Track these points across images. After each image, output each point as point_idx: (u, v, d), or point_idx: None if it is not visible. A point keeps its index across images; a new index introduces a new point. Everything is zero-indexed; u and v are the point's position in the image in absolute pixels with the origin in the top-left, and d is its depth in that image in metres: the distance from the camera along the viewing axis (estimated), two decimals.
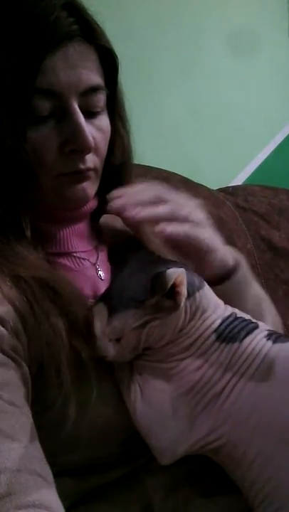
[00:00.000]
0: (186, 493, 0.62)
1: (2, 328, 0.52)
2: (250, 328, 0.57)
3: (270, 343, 0.55)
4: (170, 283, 0.51)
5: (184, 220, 0.57)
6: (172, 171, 1.32)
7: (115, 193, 0.56)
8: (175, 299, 0.53)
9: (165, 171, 1.31)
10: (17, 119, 0.56)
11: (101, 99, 0.63)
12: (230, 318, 0.57)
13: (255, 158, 2.15)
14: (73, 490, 0.61)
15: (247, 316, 0.59)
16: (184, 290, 0.52)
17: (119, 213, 0.55)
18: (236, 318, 0.58)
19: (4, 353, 0.51)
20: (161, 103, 1.66)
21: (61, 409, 0.54)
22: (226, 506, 0.60)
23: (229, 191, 1.41)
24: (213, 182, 1.42)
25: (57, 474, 0.47)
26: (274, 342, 0.55)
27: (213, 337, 0.56)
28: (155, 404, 0.56)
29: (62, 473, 0.55)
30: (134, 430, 0.57)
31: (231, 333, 0.56)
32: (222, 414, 0.54)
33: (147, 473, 0.63)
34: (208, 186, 1.34)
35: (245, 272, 0.66)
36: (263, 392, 0.53)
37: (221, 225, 1.23)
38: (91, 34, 0.60)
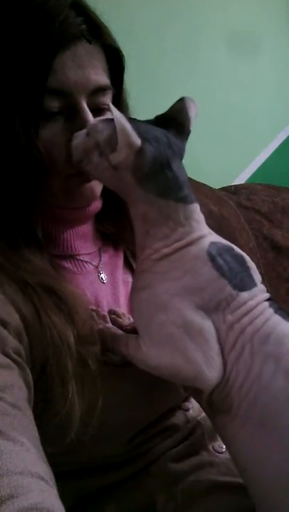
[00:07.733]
0: (188, 495, 0.62)
1: (5, 331, 0.52)
2: (253, 283, 0.54)
3: (271, 311, 0.52)
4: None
5: None
6: None
7: None
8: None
9: None
10: (29, 118, 0.56)
11: (108, 98, 0.63)
12: (228, 257, 0.54)
13: (258, 157, 2.14)
14: (76, 491, 0.61)
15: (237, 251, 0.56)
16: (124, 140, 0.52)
17: None
18: (245, 267, 0.55)
19: (7, 355, 0.50)
20: (164, 102, 1.66)
21: (66, 414, 0.54)
22: (228, 507, 0.60)
23: (232, 190, 1.41)
24: (216, 181, 1.42)
25: (60, 475, 0.47)
26: (275, 312, 0.52)
27: (205, 258, 0.53)
28: (160, 330, 0.53)
29: (66, 474, 0.55)
30: (136, 431, 0.56)
31: (240, 281, 0.53)
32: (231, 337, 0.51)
33: (149, 475, 0.63)
34: (211, 185, 1.34)
35: None
36: (258, 359, 0.50)
37: (223, 224, 1.23)
38: (98, 33, 0.60)
